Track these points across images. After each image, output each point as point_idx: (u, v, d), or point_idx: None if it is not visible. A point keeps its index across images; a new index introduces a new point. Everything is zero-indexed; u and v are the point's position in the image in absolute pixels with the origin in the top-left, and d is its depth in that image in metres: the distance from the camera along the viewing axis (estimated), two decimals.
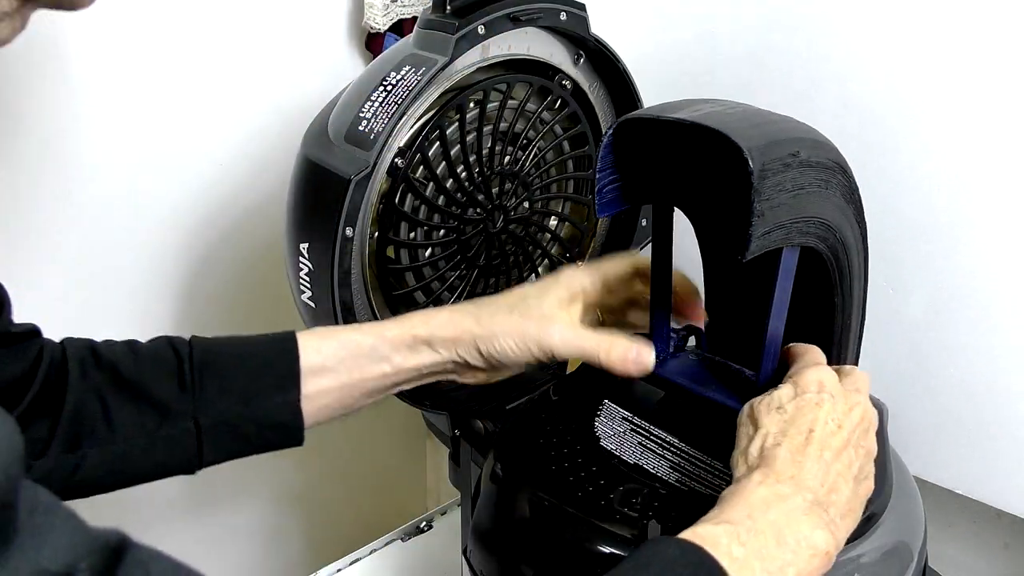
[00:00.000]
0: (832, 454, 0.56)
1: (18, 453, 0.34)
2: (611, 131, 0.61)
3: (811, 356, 0.62)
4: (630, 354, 0.66)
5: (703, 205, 0.67)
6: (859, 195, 0.64)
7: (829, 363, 0.67)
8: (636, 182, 0.65)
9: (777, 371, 0.64)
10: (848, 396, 0.59)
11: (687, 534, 0.50)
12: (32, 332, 0.64)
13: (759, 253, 0.56)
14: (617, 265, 0.72)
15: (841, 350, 0.67)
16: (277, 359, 0.66)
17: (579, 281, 0.70)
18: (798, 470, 0.54)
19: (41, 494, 0.35)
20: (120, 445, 0.63)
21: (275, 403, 0.65)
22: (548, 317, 0.67)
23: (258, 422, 0.65)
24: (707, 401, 0.66)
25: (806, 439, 0.55)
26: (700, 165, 0.64)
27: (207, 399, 0.64)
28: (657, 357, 0.70)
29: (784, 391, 0.59)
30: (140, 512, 1.11)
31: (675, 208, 0.69)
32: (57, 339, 0.66)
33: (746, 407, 0.59)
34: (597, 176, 0.62)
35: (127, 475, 0.64)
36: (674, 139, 0.63)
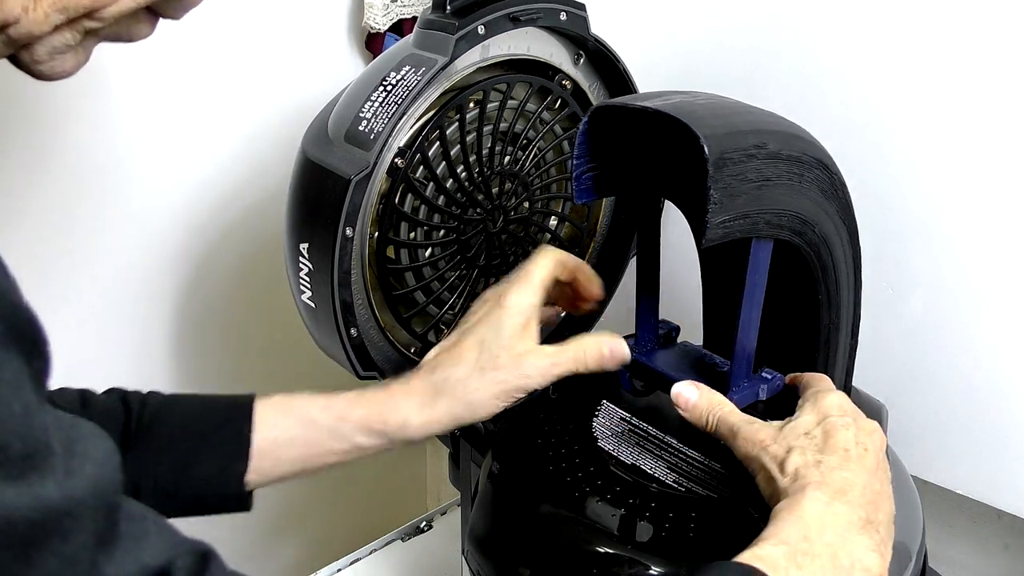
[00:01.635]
0: (869, 474, 0.55)
1: (119, 466, 0.37)
2: (586, 119, 0.61)
3: (824, 382, 0.62)
4: (604, 351, 0.66)
5: (687, 195, 0.68)
6: (845, 192, 0.64)
7: (816, 362, 0.67)
8: (618, 171, 0.65)
9: (755, 367, 0.65)
10: (865, 420, 0.59)
11: (747, 556, 0.50)
12: None
13: (719, 241, 0.56)
14: (546, 272, 0.69)
15: (829, 349, 0.67)
16: (228, 427, 0.64)
17: (526, 303, 0.68)
18: (847, 486, 0.53)
19: (133, 504, 0.38)
20: None
21: (217, 473, 0.63)
22: (518, 357, 0.66)
23: (197, 491, 0.63)
24: None
25: (844, 457, 0.55)
26: (674, 154, 0.64)
27: (146, 463, 0.62)
28: (643, 347, 0.70)
29: (805, 418, 0.58)
30: None
31: (664, 199, 0.70)
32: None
33: (759, 433, 0.58)
34: (574, 163, 0.63)
35: None
36: (649, 129, 0.63)
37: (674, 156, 0.65)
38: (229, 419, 0.64)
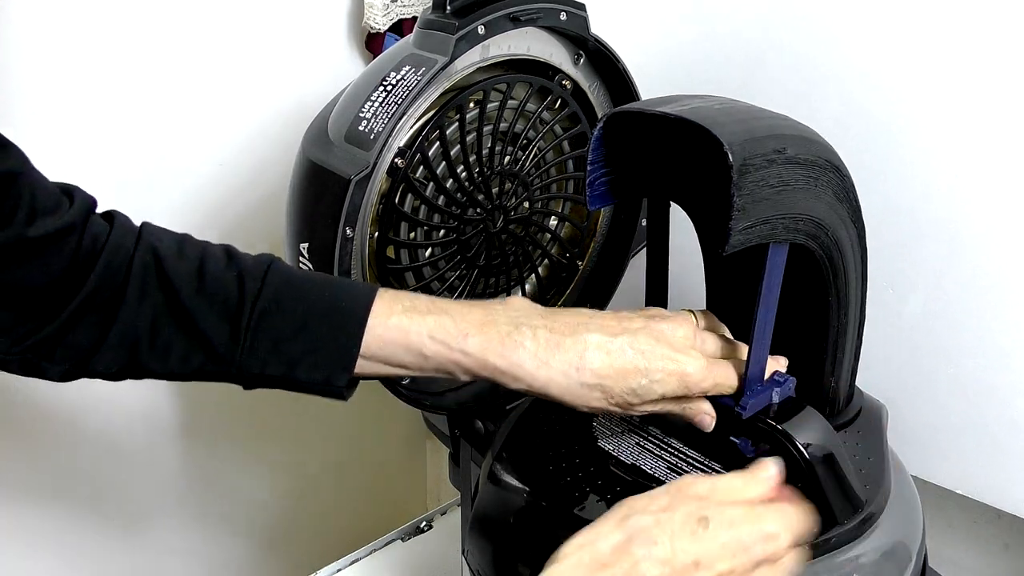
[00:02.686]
0: None
1: None
2: (601, 124, 0.61)
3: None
4: (698, 420, 0.65)
5: (698, 199, 0.68)
6: (855, 195, 0.64)
7: (825, 363, 0.67)
8: (630, 176, 0.65)
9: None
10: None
11: None
12: (66, 228, 0.61)
13: (741, 248, 0.56)
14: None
15: (837, 351, 0.67)
16: (338, 336, 0.63)
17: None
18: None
19: None
20: (166, 367, 0.63)
21: (321, 380, 0.63)
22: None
23: (299, 385, 0.64)
24: None
25: None
26: (690, 159, 0.64)
27: (254, 354, 0.63)
28: None
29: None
30: (140, 510, 1.11)
31: (672, 203, 0.70)
32: None
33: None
34: (588, 169, 0.63)
35: (174, 380, 0.65)
36: (664, 133, 0.63)
37: (684, 161, 0.65)
38: (340, 332, 0.63)
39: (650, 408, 0.63)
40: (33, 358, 0.62)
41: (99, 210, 0.65)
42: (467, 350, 0.62)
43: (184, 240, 0.65)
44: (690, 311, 0.68)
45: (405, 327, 0.63)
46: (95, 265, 0.62)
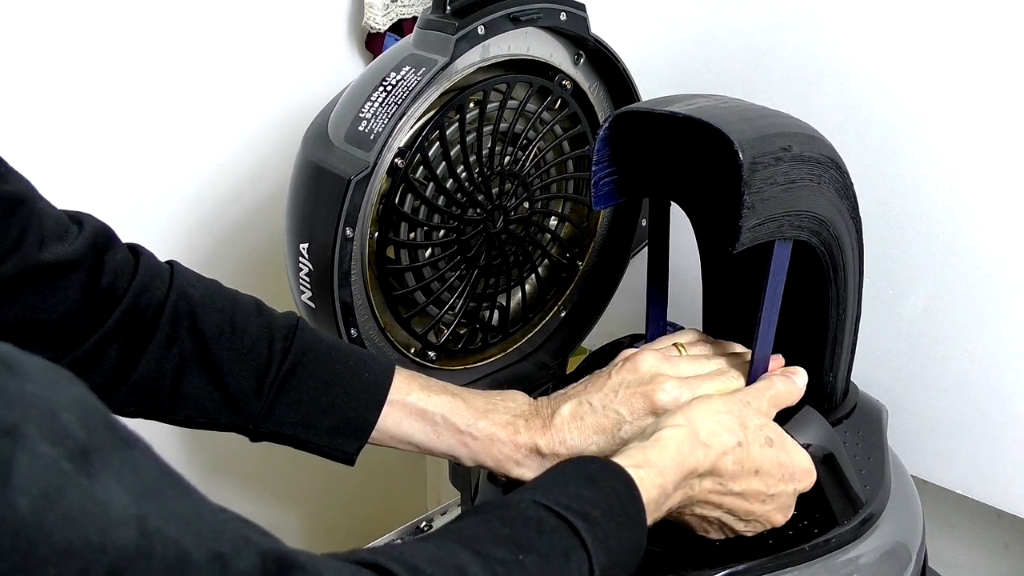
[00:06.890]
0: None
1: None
2: (607, 124, 0.61)
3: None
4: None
5: (698, 198, 0.68)
6: (853, 191, 0.65)
7: (823, 359, 0.68)
8: (632, 176, 0.66)
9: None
10: None
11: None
12: (74, 259, 0.59)
13: (750, 245, 0.57)
14: None
15: (836, 345, 0.68)
16: (359, 407, 0.65)
17: None
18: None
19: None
20: (179, 416, 0.64)
21: (334, 446, 0.65)
22: None
23: (309, 446, 0.65)
24: None
25: None
26: (695, 158, 0.64)
27: (274, 411, 0.64)
28: None
29: None
30: None
31: (671, 202, 0.70)
32: None
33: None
34: (593, 169, 0.63)
35: (178, 425, 0.65)
36: (669, 132, 0.63)
37: (685, 161, 0.65)
38: (361, 402, 0.65)
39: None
40: None
41: (114, 222, 0.64)
42: (475, 433, 0.65)
43: (214, 287, 0.66)
44: (675, 344, 0.70)
45: (422, 405, 0.66)
46: (119, 302, 0.61)
